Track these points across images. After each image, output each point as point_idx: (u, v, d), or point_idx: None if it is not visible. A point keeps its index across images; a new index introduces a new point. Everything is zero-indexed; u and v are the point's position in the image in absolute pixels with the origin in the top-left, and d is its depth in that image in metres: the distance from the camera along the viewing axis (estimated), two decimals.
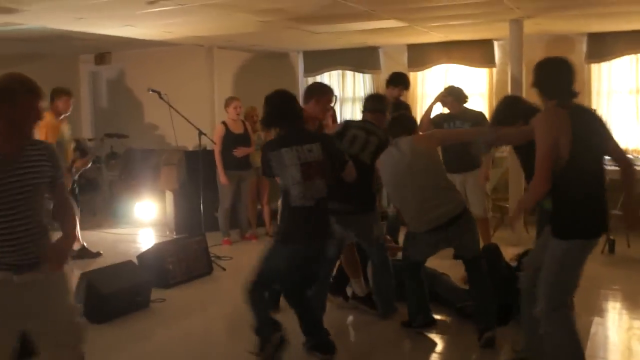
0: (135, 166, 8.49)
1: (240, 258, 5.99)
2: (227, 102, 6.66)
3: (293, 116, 3.56)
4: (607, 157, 3.07)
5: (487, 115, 6.00)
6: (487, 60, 7.80)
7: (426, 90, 8.14)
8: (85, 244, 6.19)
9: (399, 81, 5.72)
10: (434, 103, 5.69)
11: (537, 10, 5.76)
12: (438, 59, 8.04)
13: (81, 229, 6.43)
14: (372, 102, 4.41)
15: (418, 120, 5.23)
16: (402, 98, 5.99)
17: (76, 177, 6.02)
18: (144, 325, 4.37)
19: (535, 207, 3.66)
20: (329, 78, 8.93)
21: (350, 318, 4.48)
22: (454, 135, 4.65)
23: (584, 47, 7.26)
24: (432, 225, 3.74)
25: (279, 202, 4.47)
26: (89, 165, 6.29)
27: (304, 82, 9.10)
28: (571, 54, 7.31)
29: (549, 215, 3.07)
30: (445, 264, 4.70)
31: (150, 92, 5.85)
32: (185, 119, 5.91)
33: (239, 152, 6.52)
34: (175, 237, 6.64)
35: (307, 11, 5.51)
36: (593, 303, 4.53)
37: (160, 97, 5.79)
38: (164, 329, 4.20)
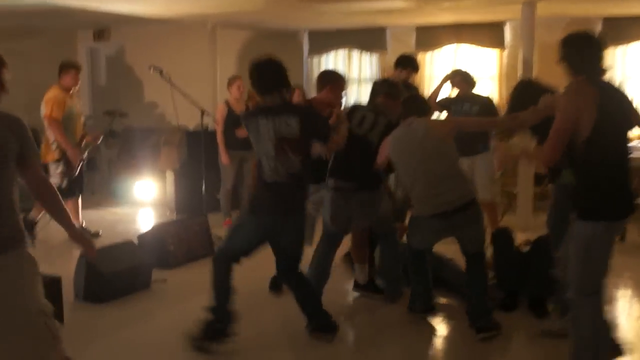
0: (134, 145, 8.49)
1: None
2: (230, 81, 6.63)
3: (283, 87, 3.54)
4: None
5: (495, 99, 6.00)
6: (497, 41, 7.76)
7: (434, 72, 8.12)
8: (84, 224, 6.20)
9: (407, 63, 5.67)
10: (442, 83, 5.69)
11: None
12: (447, 40, 8.01)
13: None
14: (383, 86, 4.34)
15: None
16: (409, 81, 5.97)
17: (85, 154, 5.97)
18: (145, 306, 4.40)
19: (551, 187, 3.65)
20: (335, 58, 8.91)
21: (355, 302, 4.51)
22: (471, 123, 4.51)
23: (598, 30, 7.21)
24: (437, 210, 3.71)
25: None
26: (100, 141, 6.25)
27: (309, 62, 9.07)
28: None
29: (570, 192, 3.04)
30: (451, 249, 4.70)
31: (152, 71, 5.82)
32: (188, 98, 5.89)
33: (242, 132, 6.50)
34: (175, 217, 6.67)
35: None
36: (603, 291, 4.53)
37: (162, 76, 5.77)
38: (164, 311, 4.23)
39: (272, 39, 8.99)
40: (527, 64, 6.24)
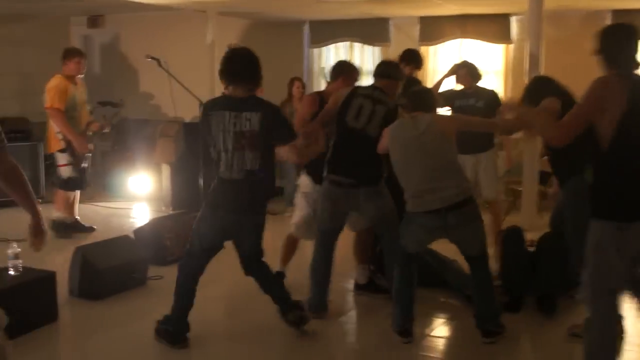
0: (129, 137, 8.51)
1: None
2: None
3: (252, 80, 3.53)
4: None
5: (501, 95, 6.03)
6: (503, 35, 7.79)
7: (438, 66, 8.14)
8: (78, 218, 6.23)
9: (411, 59, 5.63)
10: (446, 76, 5.70)
11: None
12: (452, 33, 8.03)
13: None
14: (384, 67, 4.28)
15: None
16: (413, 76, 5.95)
17: (91, 145, 5.97)
18: (140, 303, 4.44)
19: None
20: (336, 50, 8.92)
21: (356, 303, 4.56)
22: (477, 124, 4.42)
23: (608, 24, 7.23)
24: (431, 207, 3.64)
25: (298, 178, 4.54)
26: (107, 129, 6.23)
27: (310, 53, 9.09)
28: (593, 31, 7.31)
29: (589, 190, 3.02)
30: (451, 249, 4.73)
31: (149, 60, 5.84)
32: (186, 89, 5.91)
33: None
34: (171, 212, 6.70)
35: None
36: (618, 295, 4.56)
37: (160, 65, 5.79)
38: (160, 308, 4.23)
39: (272, 28, 9.01)
40: (534, 59, 6.25)
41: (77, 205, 6.18)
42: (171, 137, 7.42)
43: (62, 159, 5.82)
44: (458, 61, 5.87)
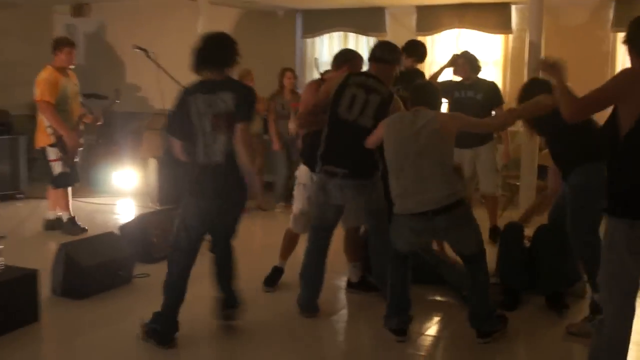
0: (115, 130, 8.49)
1: None
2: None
3: (228, 63, 3.63)
4: None
5: (500, 85, 6.04)
6: (503, 25, 7.81)
7: (435, 57, 8.15)
8: (74, 217, 6.15)
9: (414, 51, 5.59)
10: (445, 67, 5.70)
11: None
12: (450, 22, 8.05)
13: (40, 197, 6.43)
14: (380, 51, 4.18)
15: None
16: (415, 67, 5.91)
17: (82, 139, 5.93)
18: (126, 302, 4.44)
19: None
20: (330, 40, 8.93)
21: (349, 301, 4.58)
22: (478, 125, 4.25)
23: (610, 14, 7.27)
24: (418, 209, 3.60)
25: (296, 176, 4.55)
26: (101, 122, 6.19)
27: (302, 43, 9.09)
28: (596, 22, 7.35)
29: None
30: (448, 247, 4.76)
31: (136, 50, 5.83)
32: (175, 80, 5.89)
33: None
34: (158, 208, 6.70)
35: None
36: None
37: (148, 56, 5.78)
38: (147, 307, 4.23)
39: (264, 18, 9.00)
40: (535, 49, 6.24)
41: (70, 203, 6.14)
42: (158, 131, 7.42)
43: (52, 153, 5.78)
44: (457, 52, 5.88)
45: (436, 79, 5.68)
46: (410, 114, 3.80)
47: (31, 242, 5.86)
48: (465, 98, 5.50)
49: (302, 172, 4.50)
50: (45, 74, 5.71)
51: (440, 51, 8.17)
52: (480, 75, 5.75)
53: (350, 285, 4.66)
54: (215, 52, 3.64)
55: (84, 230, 5.95)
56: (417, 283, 4.03)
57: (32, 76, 5.86)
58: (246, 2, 8.31)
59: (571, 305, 4.28)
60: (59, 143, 5.73)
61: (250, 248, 5.92)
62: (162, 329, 3.70)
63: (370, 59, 4.19)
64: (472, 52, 5.78)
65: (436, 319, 4.24)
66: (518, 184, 6.73)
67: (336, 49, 8.66)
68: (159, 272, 4.92)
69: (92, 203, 7.41)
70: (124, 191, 7.89)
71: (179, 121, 3.67)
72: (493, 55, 7.92)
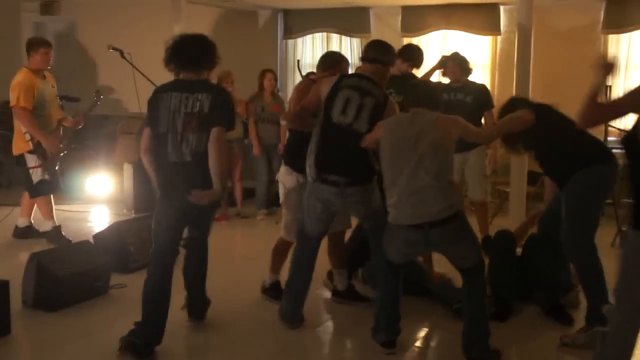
0: (88, 134, 8.42)
1: (209, 241, 6.01)
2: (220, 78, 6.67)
3: (207, 65, 3.76)
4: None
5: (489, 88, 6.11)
6: (491, 26, 7.90)
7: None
8: (59, 226, 6.07)
9: (411, 57, 5.59)
10: (434, 68, 5.74)
11: None
12: (436, 23, 8.11)
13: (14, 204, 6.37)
14: (374, 51, 4.12)
15: None
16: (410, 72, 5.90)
17: (62, 144, 5.84)
18: (102, 314, 4.41)
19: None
20: (312, 41, 8.96)
21: (336, 310, 4.59)
22: (471, 133, 3.99)
23: (601, 15, 7.38)
24: (413, 221, 3.59)
25: (280, 187, 4.54)
26: (82, 125, 6.11)
27: (284, 45, 9.11)
28: (586, 23, 7.47)
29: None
30: (440, 259, 4.79)
31: (111, 51, 5.81)
32: (152, 82, 5.88)
33: None
34: (134, 215, 6.67)
35: None
36: None
37: (123, 57, 5.76)
38: (124, 318, 4.22)
39: (244, 18, 9.01)
40: (524, 51, 6.34)
41: (54, 211, 6.07)
42: (133, 135, 7.39)
43: (31, 160, 5.70)
44: (444, 53, 5.93)
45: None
46: (407, 116, 3.76)
47: (1, 250, 5.80)
48: (454, 100, 5.54)
49: (286, 176, 4.44)
50: (20, 77, 5.61)
51: (426, 53, 8.21)
52: (469, 77, 5.80)
53: (336, 293, 4.66)
54: (192, 53, 3.74)
55: (69, 242, 5.85)
56: (405, 293, 4.04)
57: None
58: (225, 2, 8.32)
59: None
60: (38, 149, 5.65)
61: (232, 257, 5.91)
62: (142, 340, 3.67)
63: (363, 59, 4.16)
64: (461, 53, 5.84)
65: (425, 330, 4.26)
66: (507, 190, 6.80)
67: (319, 50, 8.78)
68: (136, 282, 4.90)
69: (65, 211, 7.34)
70: (98, 198, 7.84)
71: (153, 115, 3.74)
72: (481, 58, 8.00)
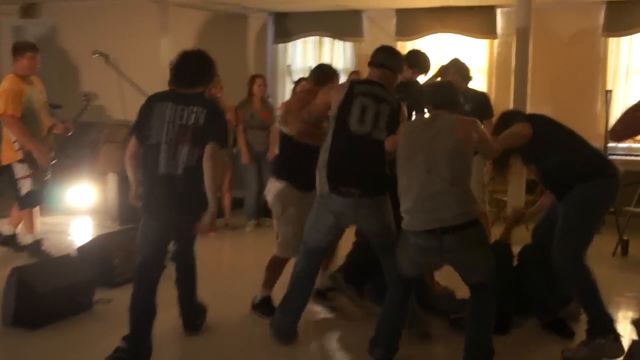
0: (69, 143, 8.38)
1: (197, 253, 6.00)
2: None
3: (204, 83, 3.90)
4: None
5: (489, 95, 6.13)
6: (488, 30, 7.94)
7: None
8: (42, 239, 6.04)
9: (416, 62, 5.53)
10: (434, 76, 5.76)
11: None
12: (431, 27, 8.15)
13: (0, 216, 6.34)
14: (383, 56, 4.08)
15: None
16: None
17: (52, 153, 5.79)
18: (87, 330, 4.39)
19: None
20: (304, 45, 8.98)
21: (329, 325, 4.60)
22: (487, 143, 3.87)
23: (601, 18, 7.43)
24: (425, 227, 3.58)
25: (267, 193, 4.56)
26: (72, 131, 6.05)
27: (274, 49, 9.12)
28: (586, 26, 7.53)
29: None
30: (444, 271, 4.79)
31: (96, 56, 5.81)
32: (138, 88, 5.90)
33: None
34: (118, 227, 6.65)
35: None
36: None
37: (108, 62, 5.76)
38: (109, 335, 4.21)
39: (233, 21, 9.03)
40: (522, 55, 6.37)
41: (37, 223, 6.03)
42: (118, 143, 7.37)
43: (20, 170, 5.65)
44: (439, 58, 5.95)
45: None
46: (427, 121, 3.84)
47: None
48: None
49: (285, 192, 4.43)
50: (7, 84, 5.55)
51: None
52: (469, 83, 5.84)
53: (317, 293, 4.74)
54: (191, 71, 3.88)
55: (49, 257, 5.77)
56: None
57: None
58: (214, 4, 8.33)
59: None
60: (27, 158, 5.61)
61: (220, 270, 5.91)
62: (130, 356, 3.66)
63: (371, 65, 4.11)
64: (461, 59, 5.86)
65: (425, 345, 4.26)
66: (505, 199, 6.82)
67: (310, 55, 8.80)
68: (122, 297, 4.89)
69: (45, 223, 7.31)
70: (81, 209, 7.81)
71: (144, 123, 3.79)
72: (477, 61, 8.05)
